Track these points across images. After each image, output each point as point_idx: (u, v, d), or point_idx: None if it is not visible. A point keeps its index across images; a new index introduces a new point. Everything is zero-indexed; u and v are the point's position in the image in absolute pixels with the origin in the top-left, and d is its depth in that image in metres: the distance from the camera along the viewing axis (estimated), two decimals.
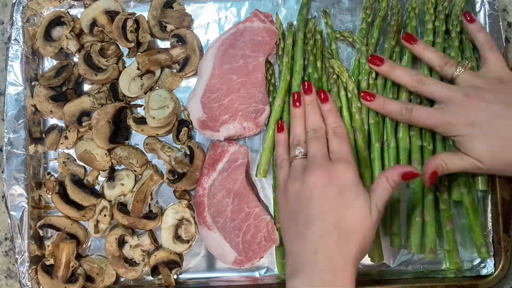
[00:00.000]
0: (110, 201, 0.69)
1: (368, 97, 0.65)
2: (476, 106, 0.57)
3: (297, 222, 0.56)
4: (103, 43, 0.72)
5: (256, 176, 0.69)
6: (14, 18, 0.71)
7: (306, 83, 0.66)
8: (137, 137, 0.72)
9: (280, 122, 0.67)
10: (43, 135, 0.72)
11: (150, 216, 0.69)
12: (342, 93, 0.68)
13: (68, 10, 0.74)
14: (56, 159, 0.71)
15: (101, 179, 0.71)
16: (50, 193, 0.70)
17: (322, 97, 0.65)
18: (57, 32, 0.72)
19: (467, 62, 0.62)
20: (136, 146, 0.71)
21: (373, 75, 0.68)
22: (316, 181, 0.55)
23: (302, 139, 0.63)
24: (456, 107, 0.58)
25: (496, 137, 0.56)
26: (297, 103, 0.66)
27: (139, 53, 0.71)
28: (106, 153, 0.69)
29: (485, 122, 0.56)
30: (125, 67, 0.72)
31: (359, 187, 0.55)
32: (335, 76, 0.68)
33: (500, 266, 0.66)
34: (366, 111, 0.67)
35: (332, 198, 0.55)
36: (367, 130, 0.67)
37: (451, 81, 0.62)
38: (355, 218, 0.54)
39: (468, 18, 0.65)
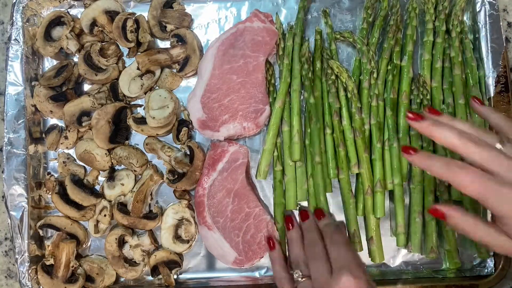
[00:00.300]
0: (110, 201, 0.69)
1: (410, 150, 0.52)
2: None
3: None
4: (103, 43, 0.72)
5: (256, 178, 0.69)
6: (14, 18, 0.71)
7: (302, 212, 0.66)
8: (137, 137, 0.72)
9: (271, 240, 0.66)
10: (43, 135, 0.72)
11: (150, 216, 0.69)
12: (342, 93, 0.68)
13: (68, 10, 0.74)
14: (56, 159, 0.71)
15: (101, 179, 0.71)
16: (50, 193, 0.70)
17: (320, 214, 0.65)
18: (57, 32, 0.72)
19: None
20: (136, 146, 0.71)
21: (374, 75, 0.68)
22: None
23: (301, 259, 0.61)
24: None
25: None
26: (290, 226, 0.65)
27: (139, 53, 0.71)
28: (106, 153, 0.69)
29: None
30: (125, 67, 0.72)
31: None
32: (333, 77, 0.68)
33: (500, 266, 0.66)
34: (367, 111, 0.67)
35: None
36: (369, 130, 0.67)
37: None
38: None
39: (477, 102, 0.57)
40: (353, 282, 0.53)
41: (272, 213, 0.69)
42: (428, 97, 0.67)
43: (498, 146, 0.50)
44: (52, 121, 0.73)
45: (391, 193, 0.68)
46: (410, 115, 0.52)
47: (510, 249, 0.48)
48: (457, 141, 0.48)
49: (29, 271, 0.67)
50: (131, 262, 0.69)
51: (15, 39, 0.70)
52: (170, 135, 0.71)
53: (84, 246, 0.70)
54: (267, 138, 0.68)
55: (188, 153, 0.69)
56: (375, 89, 0.68)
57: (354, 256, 0.57)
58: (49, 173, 0.71)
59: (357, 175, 0.68)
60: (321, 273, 0.57)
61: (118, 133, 0.70)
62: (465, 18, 0.71)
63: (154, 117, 0.67)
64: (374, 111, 0.67)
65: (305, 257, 0.61)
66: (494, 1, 0.68)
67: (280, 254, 0.65)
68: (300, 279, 0.59)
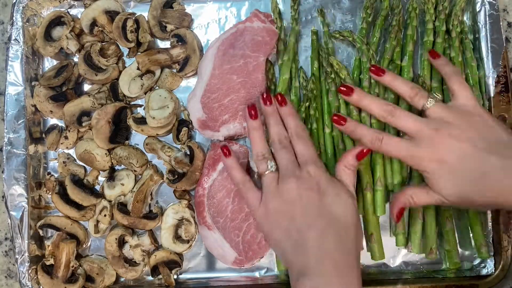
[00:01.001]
0: (110, 201, 0.69)
1: (341, 121, 0.62)
2: (445, 143, 0.55)
3: (289, 235, 0.56)
4: (103, 43, 0.72)
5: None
6: (14, 18, 0.71)
7: (264, 95, 0.63)
8: (137, 137, 0.72)
9: (223, 148, 0.64)
10: (43, 135, 0.72)
11: (150, 216, 0.69)
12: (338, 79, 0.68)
13: (68, 10, 0.74)
14: (56, 159, 0.71)
15: (101, 179, 0.71)
16: (50, 193, 0.70)
17: (280, 99, 0.63)
18: (57, 32, 0.72)
19: (437, 94, 0.60)
20: (136, 146, 0.71)
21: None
22: (294, 191, 0.56)
23: (266, 151, 0.61)
24: (425, 142, 0.56)
25: (464, 177, 0.54)
26: (254, 116, 0.63)
27: (139, 53, 0.71)
28: (106, 153, 0.69)
29: (453, 161, 0.55)
30: (125, 67, 0.72)
31: (334, 182, 0.58)
32: (333, 76, 0.68)
33: (500, 266, 0.66)
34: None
35: (315, 202, 0.56)
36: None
37: (421, 113, 0.59)
38: (345, 213, 0.56)
39: (433, 55, 0.63)
40: (320, 169, 0.58)
41: None
42: None
43: (428, 104, 0.58)
44: (52, 121, 0.73)
45: (392, 193, 0.68)
46: (342, 88, 0.62)
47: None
48: (377, 110, 0.60)
49: (29, 271, 0.67)
50: (131, 262, 0.69)
51: (15, 39, 0.70)
52: (170, 135, 0.71)
53: (84, 246, 0.70)
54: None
55: (188, 153, 0.69)
56: (376, 88, 0.67)
57: (316, 154, 0.60)
58: (49, 173, 0.71)
59: (358, 173, 0.68)
60: (290, 161, 0.59)
61: (118, 133, 0.70)
62: (465, 18, 0.71)
63: (154, 117, 0.67)
64: None
65: (269, 150, 0.61)
66: (494, 1, 0.68)
67: (236, 159, 0.64)
68: (273, 169, 0.59)
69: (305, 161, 0.58)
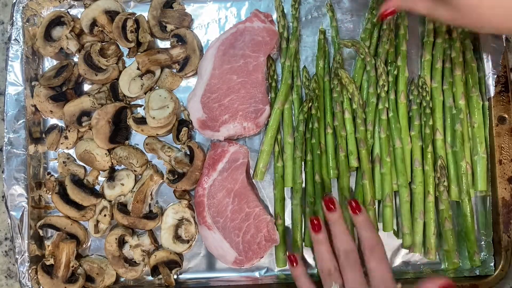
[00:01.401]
0: (110, 201, 0.69)
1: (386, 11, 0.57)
2: None
3: None
4: (103, 43, 0.72)
5: (253, 178, 0.69)
6: (14, 18, 0.71)
7: (327, 199, 0.58)
8: (137, 137, 0.72)
9: (291, 256, 0.60)
10: (43, 135, 0.72)
11: (150, 216, 0.69)
12: (345, 91, 0.68)
13: (68, 10, 0.74)
14: (56, 159, 0.71)
15: (101, 179, 0.71)
16: (50, 193, 0.70)
17: (354, 206, 0.57)
18: (57, 32, 0.72)
19: None
20: (136, 146, 0.71)
21: (385, 88, 0.68)
22: None
23: (333, 267, 0.56)
24: None
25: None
26: (317, 229, 0.58)
27: (139, 53, 0.71)
28: (106, 153, 0.69)
29: None
30: (125, 67, 0.72)
31: None
32: (339, 77, 0.68)
33: (500, 266, 0.66)
34: (372, 112, 0.68)
35: None
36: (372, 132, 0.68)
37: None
38: None
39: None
40: None
41: (272, 212, 0.69)
42: (428, 98, 0.67)
43: None
44: (52, 121, 0.73)
45: (395, 194, 0.68)
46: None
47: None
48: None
49: (29, 271, 0.67)
50: (131, 262, 0.69)
51: (15, 39, 0.70)
52: (170, 135, 0.71)
53: (84, 246, 0.70)
54: (265, 139, 0.68)
55: (188, 153, 0.69)
56: (385, 102, 0.67)
57: (391, 273, 0.54)
58: (49, 173, 0.71)
59: (362, 188, 0.68)
60: (358, 282, 0.54)
61: (118, 133, 0.70)
62: None
63: (154, 117, 0.67)
64: (384, 125, 0.67)
65: (336, 264, 0.56)
66: None
67: (304, 268, 0.60)
68: None
69: (377, 285, 0.53)
